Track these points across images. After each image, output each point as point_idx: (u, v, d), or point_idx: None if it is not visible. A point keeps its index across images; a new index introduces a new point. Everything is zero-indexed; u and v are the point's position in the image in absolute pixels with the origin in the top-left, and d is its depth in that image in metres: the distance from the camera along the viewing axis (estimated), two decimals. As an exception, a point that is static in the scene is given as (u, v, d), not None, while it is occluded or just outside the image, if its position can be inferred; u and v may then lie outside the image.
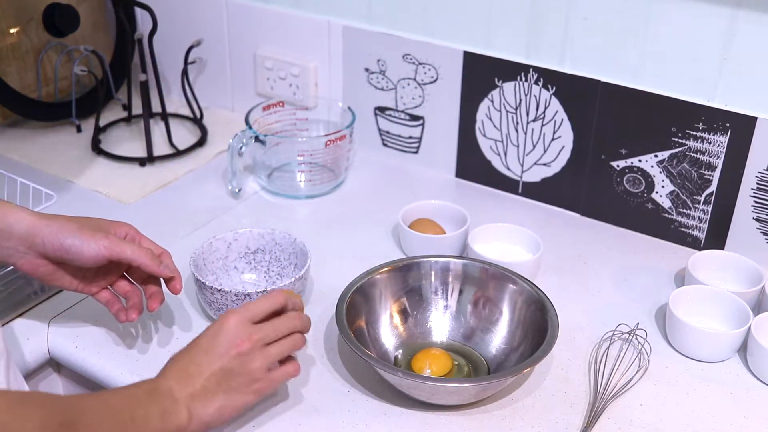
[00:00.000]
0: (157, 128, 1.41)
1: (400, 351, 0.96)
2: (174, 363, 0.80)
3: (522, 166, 1.25)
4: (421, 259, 1.00)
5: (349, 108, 1.30)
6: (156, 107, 1.42)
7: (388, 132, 1.35)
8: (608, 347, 0.96)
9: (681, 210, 1.14)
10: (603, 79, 1.13)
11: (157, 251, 0.92)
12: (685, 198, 1.13)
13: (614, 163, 1.17)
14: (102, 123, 1.40)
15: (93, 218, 0.90)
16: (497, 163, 1.27)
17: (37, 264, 0.87)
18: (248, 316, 0.82)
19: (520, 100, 1.20)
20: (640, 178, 1.15)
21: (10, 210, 0.86)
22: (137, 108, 1.41)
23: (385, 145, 1.36)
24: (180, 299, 1.02)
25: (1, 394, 0.64)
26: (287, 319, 0.84)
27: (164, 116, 1.41)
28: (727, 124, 1.06)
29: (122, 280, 0.93)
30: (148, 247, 0.91)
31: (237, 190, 1.24)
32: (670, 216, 1.16)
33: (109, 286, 0.93)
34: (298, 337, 0.84)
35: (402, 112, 1.32)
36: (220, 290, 0.93)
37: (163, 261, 0.91)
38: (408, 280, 0.99)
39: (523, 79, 1.19)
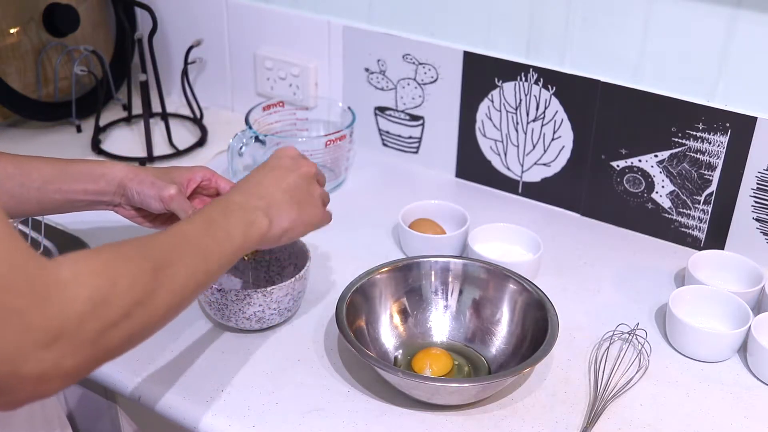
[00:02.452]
0: (157, 128, 1.41)
1: (400, 351, 0.96)
2: (238, 187, 0.84)
3: (522, 166, 1.25)
4: (421, 259, 1.00)
5: (349, 108, 1.30)
6: (156, 107, 1.42)
7: (388, 132, 1.35)
8: (608, 347, 0.96)
9: (681, 210, 1.14)
10: (603, 79, 1.13)
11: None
12: (685, 198, 1.13)
13: (614, 163, 1.17)
14: (102, 123, 1.40)
15: (178, 168, 0.98)
16: (497, 163, 1.27)
17: (129, 212, 0.97)
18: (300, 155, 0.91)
19: (520, 100, 1.20)
20: (640, 178, 1.15)
21: (109, 168, 0.94)
22: (137, 108, 1.41)
23: (385, 145, 1.36)
24: (180, 299, 1.02)
25: (94, 253, 0.63)
26: (321, 172, 0.94)
27: (164, 116, 1.41)
28: (727, 124, 1.06)
29: None
30: (224, 188, 0.98)
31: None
32: (670, 216, 1.16)
33: None
34: (326, 192, 0.93)
35: (402, 112, 1.32)
36: (220, 290, 0.93)
37: None
38: (408, 280, 0.99)
39: (523, 79, 1.19)
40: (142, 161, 1.32)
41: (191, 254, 0.71)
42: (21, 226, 1.14)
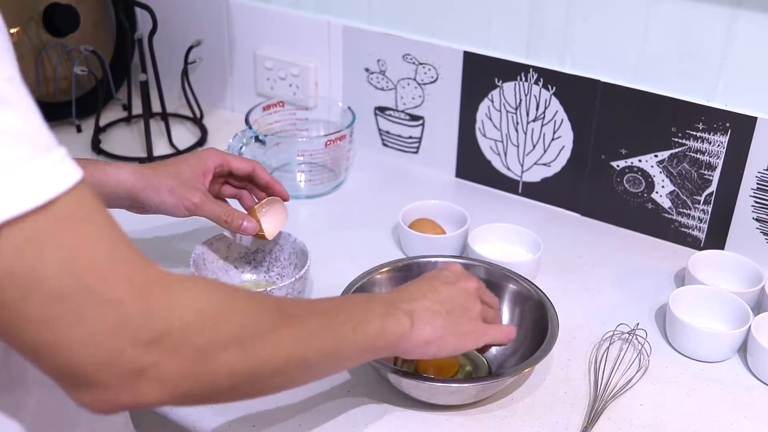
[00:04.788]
0: (157, 128, 1.41)
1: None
2: (391, 291, 0.82)
3: (522, 166, 1.25)
4: (421, 259, 1.00)
5: (349, 108, 1.30)
6: (156, 107, 1.42)
7: (388, 132, 1.35)
8: (608, 347, 0.96)
9: (681, 210, 1.14)
10: (603, 79, 1.13)
11: (246, 170, 1.00)
12: (685, 198, 1.13)
13: (614, 163, 1.17)
14: (102, 123, 1.40)
15: (186, 158, 0.97)
16: (497, 163, 1.27)
17: (139, 211, 0.97)
18: (468, 274, 0.86)
19: (520, 100, 1.20)
20: (640, 178, 1.15)
21: (113, 174, 0.93)
22: (137, 108, 1.41)
23: (385, 145, 1.36)
24: (180, 299, 1.02)
25: (216, 283, 0.63)
26: (490, 294, 0.87)
27: (164, 116, 1.41)
28: (727, 124, 1.06)
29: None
30: (239, 169, 1.00)
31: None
32: (670, 216, 1.16)
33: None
34: (497, 314, 0.86)
35: (402, 112, 1.32)
36: (220, 290, 0.92)
37: (245, 216, 0.98)
38: (408, 280, 0.98)
39: (523, 79, 1.19)
40: (142, 161, 1.32)
41: (320, 321, 0.68)
42: None
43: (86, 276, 0.52)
